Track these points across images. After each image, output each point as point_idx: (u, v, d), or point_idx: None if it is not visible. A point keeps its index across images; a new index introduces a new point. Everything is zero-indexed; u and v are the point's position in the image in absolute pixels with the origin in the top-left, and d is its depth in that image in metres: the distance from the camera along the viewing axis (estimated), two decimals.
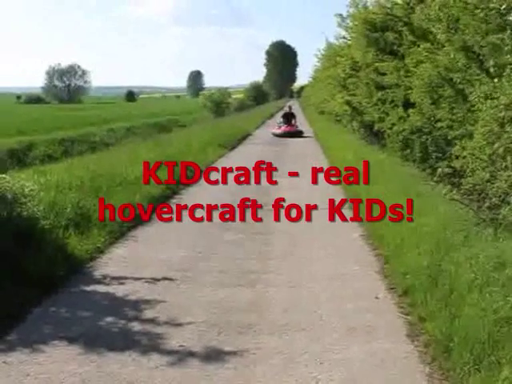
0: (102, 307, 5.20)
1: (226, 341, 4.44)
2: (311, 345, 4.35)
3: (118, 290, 5.61)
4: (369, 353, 4.20)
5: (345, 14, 16.76)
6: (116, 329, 4.71)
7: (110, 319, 4.90)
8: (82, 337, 4.52)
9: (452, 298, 4.57)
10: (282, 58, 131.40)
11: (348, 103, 17.41)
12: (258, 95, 72.88)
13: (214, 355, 4.19)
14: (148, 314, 5.00)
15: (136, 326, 4.74)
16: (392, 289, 5.51)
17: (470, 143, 5.78)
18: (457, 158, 6.48)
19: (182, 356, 4.18)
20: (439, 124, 8.88)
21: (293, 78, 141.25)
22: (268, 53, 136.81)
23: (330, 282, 5.82)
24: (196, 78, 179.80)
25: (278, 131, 25.69)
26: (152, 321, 4.83)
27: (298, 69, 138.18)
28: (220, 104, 44.37)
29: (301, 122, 29.51)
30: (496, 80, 5.65)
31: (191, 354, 4.20)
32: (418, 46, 10.91)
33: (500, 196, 5.67)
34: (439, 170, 7.36)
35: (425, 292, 4.90)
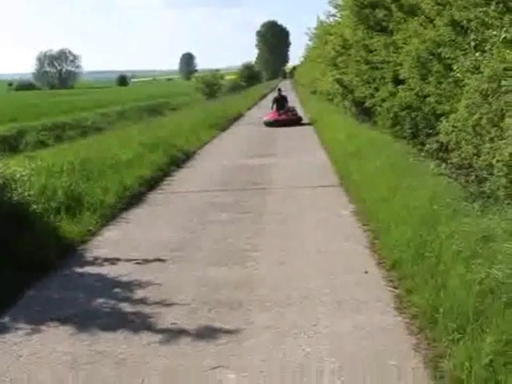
0: (93, 289, 5.24)
1: (216, 318, 4.49)
2: (300, 320, 4.40)
3: (110, 272, 5.66)
4: (356, 326, 4.25)
5: None
6: (108, 309, 4.76)
7: (101, 300, 4.94)
8: (73, 317, 4.58)
9: (438, 271, 4.61)
10: (274, 38, 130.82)
11: (339, 81, 17.38)
12: (250, 76, 72.56)
13: (205, 332, 4.24)
14: (139, 293, 5.04)
15: (127, 306, 4.78)
16: (381, 263, 5.57)
17: (453, 116, 5.80)
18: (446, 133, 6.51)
19: (173, 333, 4.23)
20: (427, 99, 8.92)
21: (285, 59, 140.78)
22: (259, 33, 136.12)
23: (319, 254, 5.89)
24: (188, 60, 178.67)
25: (270, 119, 21.63)
26: (143, 300, 4.88)
27: (290, 49, 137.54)
28: (212, 86, 44.22)
29: (291, 100, 29.29)
30: (478, 54, 5.67)
31: (183, 332, 4.26)
32: (407, 22, 10.93)
33: (487, 169, 5.71)
34: (427, 145, 7.39)
35: (412, 265, 4.96)
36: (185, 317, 4.52)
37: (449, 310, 3.96)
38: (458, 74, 6.10)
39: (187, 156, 13.67)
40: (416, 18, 10.18)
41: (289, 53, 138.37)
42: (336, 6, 17.01)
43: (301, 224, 7.32)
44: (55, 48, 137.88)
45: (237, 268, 5.69)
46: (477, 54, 5.70)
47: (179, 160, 12.82)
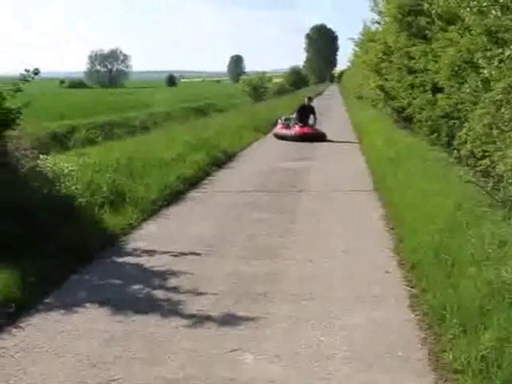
0: (130, 276, 5.66)
1: (241, 307, 4.85)
2: (319, 312, 4.73)
3: (147, 262, 6.08)
4: (371, 320, 4.56)
5: None
6: (142, 295, 5.17)
7: (137, 286, 5.36)
8: (111, 301, 5.00)
9: (452, 272, 4.88)
10: (323, 41, 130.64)
11: (380, 88, 17.56)
12: (297, 80, 72.84)
13: (229, 319, 4.61)
14: (172, 282, 5.44)
15: (160, 293, 5.18)
16: (402, 264, 5.85)
17: (467, 125, 6.03)
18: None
19: (199, 319, 4.61)
20: (461, 106, 9.09)
21: (333, 63, 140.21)
22: (308, 36, 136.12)
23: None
24: (236, 62, 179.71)
25: (288, 132, 18.01)
26: (175, 289, 5.27)
27: (338, 53, 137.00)
28: (258, 89, 44.68)
29: (337, 104, 29.46)
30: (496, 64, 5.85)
31: (208, 318, 4.63)
32: (446, 30, 11.10)
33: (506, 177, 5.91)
34: (455, 152, 7.60)
35: (429, 267, 5.22)
36: (211, 305, 4.89)
37: (456, 308, 4.23)
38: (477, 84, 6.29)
39: (229, 157, 14.07)
40: (454, 27, 10.37)
41: (337, 57, 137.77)
42: (379, 13, 17.20)
43: (331, 225, 7.63)
44: (106, 47, 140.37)
45: (266, 263, 6.04)
46: (495, 65, 5.88)
47: (220, 161, 13.23)
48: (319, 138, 17.44)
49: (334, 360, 3.92)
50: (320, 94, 67.92)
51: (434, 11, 11.88)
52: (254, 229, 7.46)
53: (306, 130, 17.89)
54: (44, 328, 4.49)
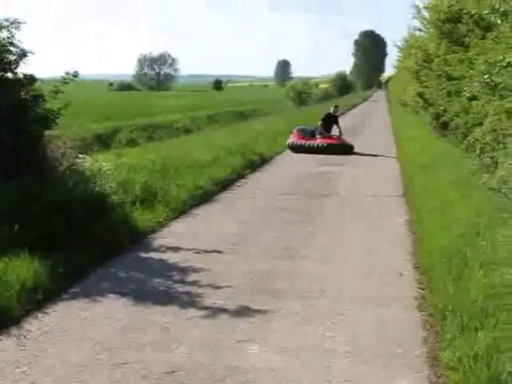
0: (153, 270, 5.96)
1: (254, 302, 5.08)
2: (328, 309, 4.93)
3: (171, 258, 6.36)
4: (377, 319, 4.73)
5: (421, 4, 16.95)
6: (162, 288, 5.46)
7: (158, 280, 5.65)
8: (132, 292, 5.30)
9: (461, 275, 5.01)
10: (371, 47, 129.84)
11: (420, 95, 17.57)
12: (342, 85, 72.72)
13: (242, 312, 4.85)
14: (192, 277, 5.71)
15: (180, 287, 5.46)
16: (417, 267, 5.98)
17: (477, 130, 6.11)
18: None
19: (214, 311, 4.86)
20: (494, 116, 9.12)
21: (381, 69, 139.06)
22: (357, 42, 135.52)
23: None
24: (283, 67, 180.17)
25: (307, 143, 16.31)
26: (194, 283, 5.54)
27: (387, 59, 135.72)
28: (302, 94, 44.89)
29: (382, 109, 29.40)
30: None
31: (223, 310, 4.88)
32: (483, 38, 11.13)
33: None
34: (477, 159, 7.67)
35: (441, 270, 5.35)
36: (227, 299, 5.14)
37: (459, 309, 4.37)
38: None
39: (264, 161, 14.34)
40: (490, 34, 10.39)
41: (385, 63, 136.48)
42: (421, 20, 17.21)
43: (354, 229, 7.79)
44: (155, 51, 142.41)
45: (284, 262, 6.26)
46: None
47: (255, 164, 13.51)
48: (345, 150, 15.88)
49: (335, 353, 4.11)
50: (366, 99, 67.81)
51: (471, 19, 11.97)
52: (279, 230, 7.69)
53: (330, 140, 16.33)
54: (67, 314, 4.82)
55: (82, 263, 5.91)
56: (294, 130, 17.23)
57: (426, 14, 16.94)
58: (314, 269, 6.08)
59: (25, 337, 4.38)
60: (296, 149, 16.31)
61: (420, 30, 18.32)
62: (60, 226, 6.28)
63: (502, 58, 5.74)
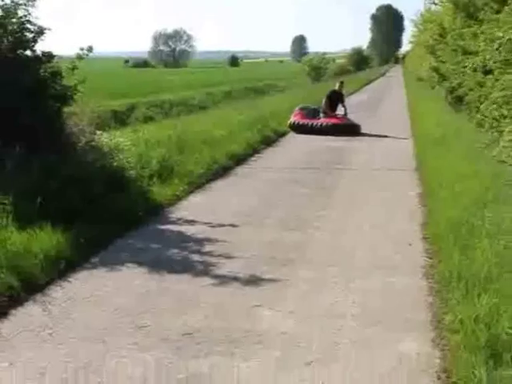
0: (170, 242, 6.17)
1: (267, 270, 5.28)
2: (339, 277, 5.12)
3: (187, 230, 6.57)
4: (386, 285, 4.92)
5: None
6: (178, 257, 5.67)
7: (175, 251, 5.86)
8: (149, 262, 5.51)
9: (468, 245, 5.16)
10: (388, 22, 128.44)
11: (435, 69, 17.53)
12: (358, 61, 72.23)
13: (254, 280, 5.04)
14: (207, 248, 5.91)
15: (195, 257, 5.67)
16: (426, 238, 6.15)
17: (485, 103, 6.22)
18: None
19: (227, 279, 5.06)
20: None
21: (398, 44, 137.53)
22: (374, 17, 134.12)
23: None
24: (300, 42, 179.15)
25: (310, 122, 15.30)
26: (209, 253, 5.74)
27: (404, 34, 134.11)
28: (317, 69, 44.73)
29: (398, 85, 29.24)
30: None
31: (235, 279, 5.08)
32: (499, 12, 11.13)
33: None
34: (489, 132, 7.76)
35: (448, 240, 5.51)
36: (241, 267, 5.34)
37: (464, 276, 4.53)
38: None
39: (279, 136, 14.48)
40: (506, 8, 10.39)
41: (402, 38, 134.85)
42: None
43: (366, 201, 7.96)
44: (170, 27, 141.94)
45: (297, 233, 6.46)
46: None
47: (270, 139, 13.67)
48: (352, 130, 14.83)
49: (344, 317, 4.30)
50: (382, 74, 67.45)
51: None
52: (292, 202, 7.88)
53: (335, 120, 15.22)
54: (89, 282, 5.05)
55: (102, 235, 6.12)
56: (296, 109, 16.24)
57: None
58: (325, 239, 6.29)
59: (50, 303, 4.61)
60: (298, 129, 15.35)
61: (435, 3, 18.25)
62: (80, 200, 6.52)
63: None
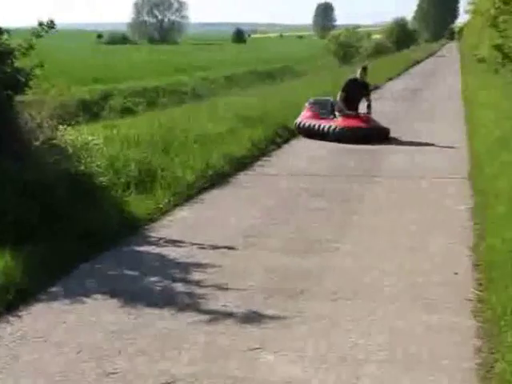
0: (150, 268, 6.35)
1: (270, 305, 5.43)
2: (362, 314, 5.26)
3: (171, 253, 6.74)
4: (422, 324, 5.05)
5: None
6: (160, 287, 5.84)
7: (154, 279, 6.04)
8: (124, 293, 5.68)
9: None
10: None
11: (498, 48, 17.69)
12: (401, 36, 72.51)
13: (253, 317, 5.19)
14: (197, 276, 6.07)
15: (181, 287, 5.83)
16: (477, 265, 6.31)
17: None
18: None
19: (220, 315, 5.21)
20: None
21: (454, 14, 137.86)
22: None
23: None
24: (325, 13, 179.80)
25: (322, 124, 14.08)
26: (199, 283, 5.90)
27: (461, 1, 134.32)
28: (348, 47, 44.99)
29: (451, 68, 29.22)
30: None
31: (230, 315, 5.22)
32: None
33: None
34: None
35: (503, 268, 5.65)
36: (237, 301, 5.50)
37: None
38: None
39: (292, 134, 14.64)
40: None
41: (459, 6, 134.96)
42: None
43: (400, 218, 8.11)
44: None
45: (310, 258, 6.62)
46: None
47: (281, 138, 13.86)
48: (377, 135, 13.67)
49: (367, 363, 4.44)
50: (432, 54, 67.70)
51: None
52: (304, 219, 8.05)
53: (356, 122, 13.87)
54: (44, 317, 5.22)
55: (63, 257, 6.30)
56: (306, 104, 15.10)
57: None
58: (343, 267, 6.44)
59: None
60: (305, 132, 14.41)
61: None
62: (36, 212, 6.70)
63: None
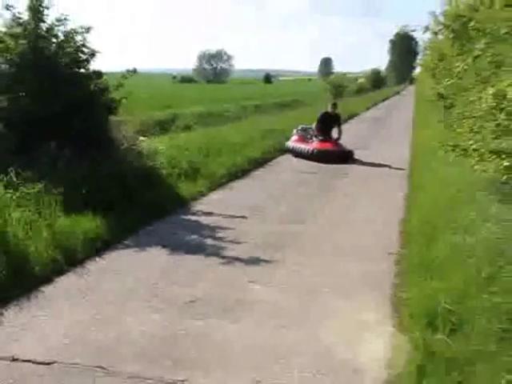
0: (190, 229, 6.54)
1: (265, 254, 5.61)
2: (324, 261, 5.42)
3: (204, 221, 6.93)
4: (362, 269, 5.20)
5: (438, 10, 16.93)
6: (195, 242, 6.04)
7: (193, 236, 6.24)
8: (171, 244, 5.89)
9: (432, 238, 5.41)
10: (404, 46, 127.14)
11: (434, 90, 17.58)
12: (376, 80, 71.92)
13: (253, 260, 5.39)
14: (219, 234, 6.27)
15: (208, 241, 6.04)
16: (402, 232, 6.42)
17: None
18: None
19: (231, 259, 5.42)
20: None
21: (413, 66, 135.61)
22: (392, 41, 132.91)
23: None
24: (326, 63, 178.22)
25: (305, 147, 12.60)
26: (220, 239, 6.11)
27: (419, 57, 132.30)
28: (338, 87, 44.77)
29: (409, 102, 29.11)
30: None
31: (237, 259, 5.43)
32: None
33: None
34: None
35: (417, 233, 5.77)
36: (243, 251, 5.69)
37: (425, 263, 4.80)
38: None
39: None
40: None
41: (417, 60, 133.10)
42: (438, 24, 17.17)
43: (359, 201, 8.21)
44: (213, 48, 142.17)
45: (296, 225, 6.77)
46: None
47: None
48: (343, 157, 12.14)
49: (320, 292, 4.61)
50: (398, 92, 67.05)
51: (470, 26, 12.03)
52: (295, 200, 8.20)
53: (327, 145, 12.44)
54: (118, 259, 5.46)
55: (134, 222, 6.53)
56: (295, 131, 13.67)
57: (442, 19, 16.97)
58: (316, 231, 6.57)
59: (86, 274, 5.03)
60: (294, 153, 12.87)
61: (435, 33, 18.25)
62: (118, 192, 6.93)
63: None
